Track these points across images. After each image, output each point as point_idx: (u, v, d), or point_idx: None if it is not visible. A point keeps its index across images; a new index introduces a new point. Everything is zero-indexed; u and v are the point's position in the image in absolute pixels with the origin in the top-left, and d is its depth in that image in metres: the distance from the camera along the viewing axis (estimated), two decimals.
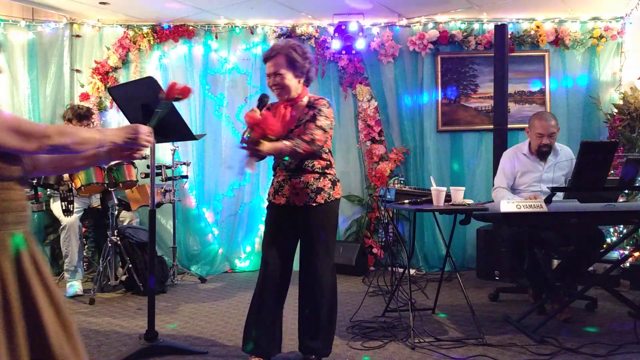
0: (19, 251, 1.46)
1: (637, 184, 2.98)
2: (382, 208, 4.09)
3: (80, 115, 4.36)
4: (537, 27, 5.11)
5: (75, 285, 4.10)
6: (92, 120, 4.73)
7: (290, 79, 2.51)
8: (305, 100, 2.59)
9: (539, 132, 3.42)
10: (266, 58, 2.54)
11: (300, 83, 2.56)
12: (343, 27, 4.92)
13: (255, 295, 2.63)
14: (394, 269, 3.89)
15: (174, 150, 4.62)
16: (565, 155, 3.51)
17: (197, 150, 5.20)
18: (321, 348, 2.60)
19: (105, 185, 4.05)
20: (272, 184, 2.66)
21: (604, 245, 3.49)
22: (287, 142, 2.39)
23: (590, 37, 5.07)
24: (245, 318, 2.63)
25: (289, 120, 2.50)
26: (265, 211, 2.72)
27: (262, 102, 2.49)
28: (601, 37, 5.07)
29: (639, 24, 4.92)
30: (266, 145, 2.32)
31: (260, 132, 2.30)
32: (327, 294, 2.57)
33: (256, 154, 2.34)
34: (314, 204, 2.53)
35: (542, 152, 3.47)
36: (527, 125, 3.59)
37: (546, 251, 3.65)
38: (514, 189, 3.54)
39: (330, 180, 2.57)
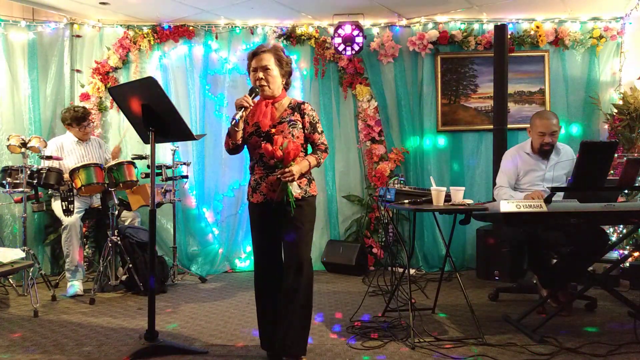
0: None
1: (636, 184, 2.98)
2: (382, 208, 4.09)
3: (78, 119, 4.45)
4: (537, 27, 5.11)
5: (75, 285, 4.11)
6: (92, 120, 4.74)
7: (277, 76, 2.63)
8: (285, 101, 2.70)
9: (540, 130, 3.42)
10: (254, 54, 2.64)
11: (282, 84, 2.68)
12: (343, 27, 4.93)
13: (255, 296, 2.70)
14: (393, 268, 3.90)
15: (174, 150, 4.63)
16: (566, 155, 3.52)
17: (197, 151, 5.20)
18: (295, 345, 2.52)
19: (106, 185, 4.06)
20: (250, 183, 2.70)
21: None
22: (311, 158, 2.61)
23: (590, 37, 5.08)
24: (255, 317, 2.68)
25: (271, 117, 2.60)
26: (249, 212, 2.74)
27: (254, 91, 2.58)
28: (601, 37, 5.07)
29: (639, 24, 4.93)
30: (296, 169, 2.49)
31: (287, 159, 2.46)
32: (301, 290, 2.51)
33: (291, 178, 2.48)
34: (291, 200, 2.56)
35: (543, 151, 3.47)
36: (527, 125, 3.60)
37: (546, 251, 3.66)
38: (516, 188, 3.54)
39: (306, 178, 2.65)
